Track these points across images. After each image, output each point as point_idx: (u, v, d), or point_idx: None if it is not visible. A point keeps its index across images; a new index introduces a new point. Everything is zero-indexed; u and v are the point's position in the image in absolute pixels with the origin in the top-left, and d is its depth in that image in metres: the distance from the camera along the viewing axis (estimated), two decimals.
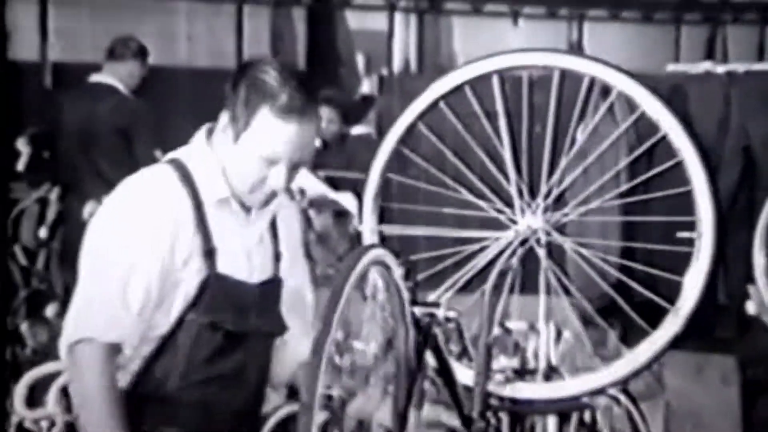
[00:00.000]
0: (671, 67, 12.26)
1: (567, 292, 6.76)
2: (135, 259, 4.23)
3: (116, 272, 4.20)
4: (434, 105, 5.70)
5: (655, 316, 9.54)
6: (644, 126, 6.47)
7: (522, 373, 7.81)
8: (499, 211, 5.46)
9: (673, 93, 9.69)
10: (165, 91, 14.21)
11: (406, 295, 4.28)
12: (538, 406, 6.46)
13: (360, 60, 17.27)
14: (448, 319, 4.55)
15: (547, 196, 5.48)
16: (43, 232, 10.84)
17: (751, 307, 8.34)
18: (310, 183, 9.55)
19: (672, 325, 6.11)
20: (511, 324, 7.57)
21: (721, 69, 10.20)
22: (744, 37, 23.21)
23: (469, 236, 5.57)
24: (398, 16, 18.30)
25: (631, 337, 9.41)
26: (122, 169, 9.73)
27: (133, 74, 10.26)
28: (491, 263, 5.55)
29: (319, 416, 3.77)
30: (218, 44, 16.07)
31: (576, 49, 20.87)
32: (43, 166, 11.00)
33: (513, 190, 5.46)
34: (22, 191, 11.40)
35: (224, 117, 4.30)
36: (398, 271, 4.24)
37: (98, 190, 9.73)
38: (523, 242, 5.52)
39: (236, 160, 4.26)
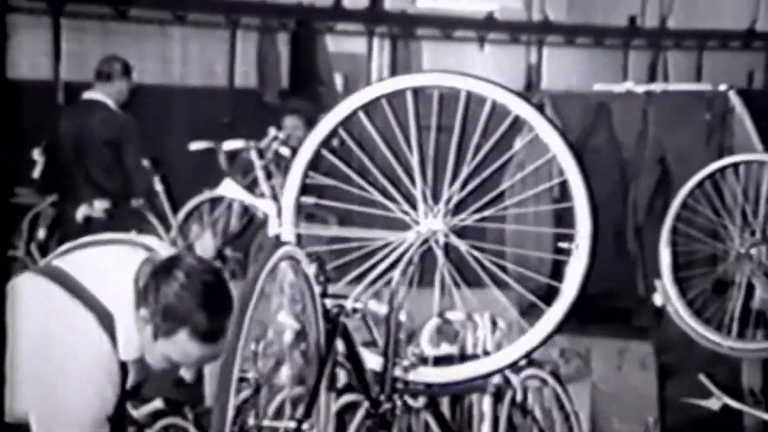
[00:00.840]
0: (597, 87, 12.27)
1: (505, 285, 6.79)
2: None
3: None
4: (353, 114, 5.67)
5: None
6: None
7: (463, 359, 7.87)
8: (405, 213, 5.41)
9: (599, 109, 9.72)
10: (161, 106, 14.24)
11: (317, 288, 4.26)
12: (439, 389, 6.43)
13: (338, 80, 17.23)
14: (355, 310, 4.54)
15: (448, 202, 5.43)
16: (41, 233, 10.88)
17: (657, 299, 8.37)
18: (231, 190, 9.55)
19: (548, 322, 6.00)
20: (450, 315, 7.56)
21: (640, 89, 10.23)
22: (683, 60, 23.26)
23: (377, 236, 5.51)
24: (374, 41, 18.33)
25: (565, 326, 9.46)
26: (112, 177, 9.88)
27: (121, 91, 10.21)
28: (398, 260, 5.51)
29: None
30: (209, 65, 16.04)
31: (535, 70, 20.97)
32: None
33: (418, 195, 5.42)
34: (34, 197, 11.43)
35: (145, 310, 3.97)
36: (309, 266, 4.23)
37: (90, 195, 9.76)
38: (425, 242, 5.47)
39: (150, 352, 4.02)
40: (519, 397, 8.19)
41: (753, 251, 8.09)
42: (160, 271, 3.98)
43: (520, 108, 5.49)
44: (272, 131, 11.47)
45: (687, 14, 22.64)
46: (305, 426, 4.11)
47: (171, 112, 14.58)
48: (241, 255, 11.29)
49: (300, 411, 4.15)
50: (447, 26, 19.03)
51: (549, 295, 10.04)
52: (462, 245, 5.51)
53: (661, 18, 22.31)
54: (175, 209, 10.98)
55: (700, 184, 8.20)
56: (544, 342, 6.11)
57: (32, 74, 13.97)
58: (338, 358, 4.78)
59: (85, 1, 14.59)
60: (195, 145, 11.57)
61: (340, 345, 4.59)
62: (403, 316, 7.41)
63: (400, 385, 5.38)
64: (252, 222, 11.24)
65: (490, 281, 6.04)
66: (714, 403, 8.08)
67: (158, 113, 13.92)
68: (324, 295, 4.37)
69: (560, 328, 6.06)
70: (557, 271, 9.61)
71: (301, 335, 4.21)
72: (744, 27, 23.62)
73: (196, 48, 15.89)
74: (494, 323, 8.17)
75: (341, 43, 17.64)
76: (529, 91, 18.60)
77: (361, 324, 5.20)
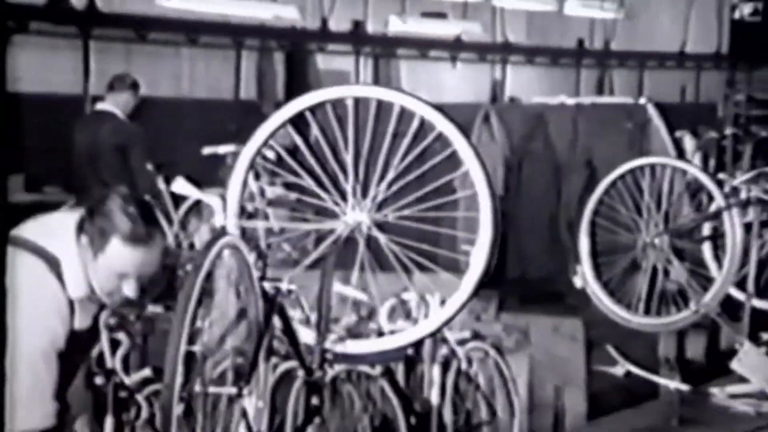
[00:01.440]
0: (535, 99, 12.31)
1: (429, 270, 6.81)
2: None
3: None
4: (300, 115, 5.66)
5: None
6: None
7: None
8: (336, 204, 5.37)
9: (536, 119, 9.69)
10: (172, 116, 14.22)
11: (255, 273, 4.24)
12: (367, 358, 6.38)
13: None
14: (290, 291, 4.52)
15: (374, 198, 5.39)
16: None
17: (577, 282, 8.35)
18: (182, 187, 9.49)
19: (456, 302, 5.92)
20: (405, 295, 7.53)
21: (571, 101, 10.24)
22: (627, 76, 23.33)
23: (310, 227, 5.49)
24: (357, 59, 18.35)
25: (507, 305, 9.46)
26: (120, 177, 9.81)
27: (128, 103, 10.15)
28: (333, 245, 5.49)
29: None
30: (213, 81, 16.01)
31: (500, 86, 20.97)
32: None
33: (349, 191, 5.38)
34: (62, 194, 11.39)
35: (84, 236, 4.02)
36: (249, 253, 4.21)
37: (101, 193, 9.69)
38: (352, 231, 5.44)
39: (94, 271, 4.03)
40: (464, 366, 8.19)
41: (657, 240, 8.08)
42: (95, 205, 4.05)
43: (442, 125, 5.39)
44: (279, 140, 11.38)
45: (628, 39, 22.73)
46: (245, 392, 4.13)
47: (182, 121, 14.58)
48: None
49: (241, 379, 4.15)
50: (421, 47, 19.02)
51: (495, 278, 10.07)
52: (382, 237, 5.46)
53: (605, 41, 22.40)
54: (177, 205, 10.88)
55: (613, 183, 8.21)
56: (449, 321, 6.15)
57: (65, 89, 13.96)
58: (276, 333, 4.76)
59: (110, 26, 14.58)
60: (207, 150, 11.47)
61: (277, 321, 4.57)
62: (364, 297, 7.41)
63: (330, 356, 5.34)
64: None
65: (415, 266, 5.87)
66: (619, 370, 8.10)
67: (171, 122, 13.96)
68: (263, 278, 4.34)
69: (463, 308, 6.02)
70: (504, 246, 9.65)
71: (242, 313, 4.20)
72: (676, 49, 23.77)
73: (202, 66, 15.88)
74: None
75: (330, 62, 17.61)
76: (494, 102, 18.62)
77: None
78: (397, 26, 17.46)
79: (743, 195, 7.93)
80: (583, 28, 22.04)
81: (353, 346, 5.68)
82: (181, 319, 3.69)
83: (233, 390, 4.06)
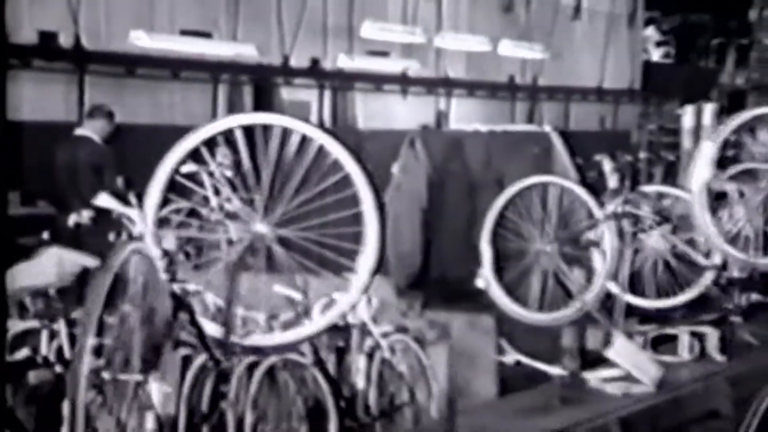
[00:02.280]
0: (453, 126, 12.36)
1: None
2: None
3: None
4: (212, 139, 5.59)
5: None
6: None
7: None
8: (242, 218, 5.29)
9: (455, 143, 9.68)
10: (152, 142, 14.08)
11: (163, 275, 4.16)
12: (265, 351, 6.23)
13: None
14: (197, 292, 4.46)
15: (274, 213, 5.30)
16: (45, 235, 10.67)
17: (480, 283, 8.30)
18: (105, 201, 9.46)
19: (347, 300, 5.78)
20: (335, 295, 7.47)
21: (484, 128, 10.25)
22: (555, 108, 23.41)
23: (221, 236, 5.42)
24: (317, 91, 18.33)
25: (431, 303, 9.42)
26: (95, 192, 9.71)
27: (104, 129, 10.06)
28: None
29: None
30: (190, 109, 15.89)
31: (444, 115, 20.94)
32: None
33: (256, 205, 5.30)
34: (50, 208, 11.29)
35: None
36: (160, 259, 4.14)
37: (79, 206, 9.58)
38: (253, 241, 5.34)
39: None
40: (387, 356, 8.15)
41: (548, 248, 8.06)
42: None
43: (334, 149, 5.33)
44: (218, 158, 11.27)
45: (555, 75, 22.82)
46: (151, 378, 4.05)
47: (160, 146, 14.42)
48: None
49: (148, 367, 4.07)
50: (375, 81, 18.99)
51: (420, 281, 9.99)
52: (278, 248, 5.36)
53: (533, 78, 22.47)
54: None
55: (513, 199, 8.19)
56: (337, 319, 6.09)
57: (63, 118, 13.82)
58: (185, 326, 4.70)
59: (103, 63, 14.51)
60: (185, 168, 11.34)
61: (184, 316, 4.50)
62: (299, 296, 7.34)
63: (237, 349, 5.27)
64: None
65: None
66: (509, 359, 8.07)
67: (150, 146, 13.81)
68: (172, 280, 4.27)
69: (354, 306, 6.10)
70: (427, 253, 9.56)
71: (152, 311, 4.11)
72: (595, 85, 23.95)
73: (179, 97, 15.80)
74: (369, 301, 8.14)
75: (293, 94, 17.56)
76: (439, 128, 18.59)
77: None
78: (346, 63, 17.45)
79: (618, 210, 7.92)
80: (515, 66, 22.09)
81: (254, 340, 5.58)
82: (89, 314, 3.62)
83: (139, 377, 3.98)
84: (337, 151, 5.27)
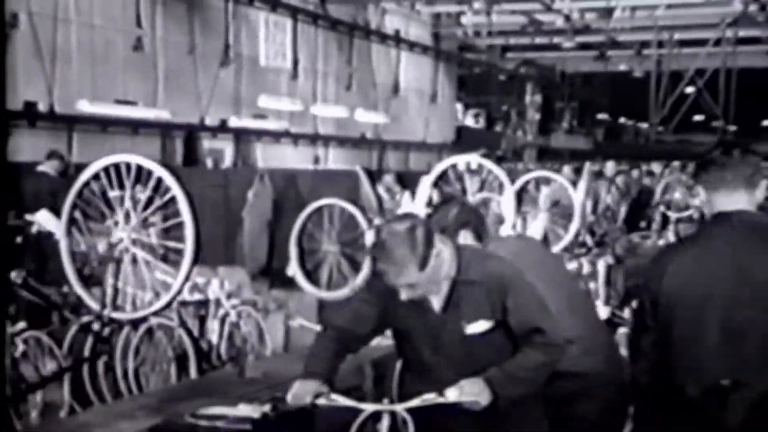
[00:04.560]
0: (289, 166, 12.26)
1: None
2: None
3: None
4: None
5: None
6: None
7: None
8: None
9: (290, 178, 9.67)
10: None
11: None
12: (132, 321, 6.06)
13: (209, 162, 16.74)
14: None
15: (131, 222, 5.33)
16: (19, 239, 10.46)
17: (289, 271, 8.33)
18: (42, 218, 9.33)
19: (176, 284, 5.69)
20: (198, 279, 7.52)
21: (311, 167, 10.30)
22: (398, 156, 23.48)
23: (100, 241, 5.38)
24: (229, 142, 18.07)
25: (274, 285, 9.38)
26: (53, 211, 9.58)
27: (58, 167, 10.06)
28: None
29: None
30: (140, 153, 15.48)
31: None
32: None
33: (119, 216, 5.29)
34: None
35: None
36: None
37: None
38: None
39: None
40: (234, 320, 8.14)
41: (332, 248, 8.09)
42: None
43: (167, 178, 5.25)
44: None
45: (393, 132, 22.95)
46: None
47: None
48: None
49: None
50: (263, 134, 18.60)
51: (267, 270, 9.80)
52: (134, 249, 5.28)
53: (378, 134, 22.54)
54: None
55: (311, 214, 8.19)
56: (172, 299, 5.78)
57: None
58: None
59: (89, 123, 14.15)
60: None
61: None
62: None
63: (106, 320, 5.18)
64: None
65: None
66: (295, 324, 8.05)
67: None
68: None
69: (182, 288, 5.76)
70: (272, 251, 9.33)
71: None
72: (422, 139, 24.08)
73: (129, 146, 15.43)
74: (222, 283, 8.19)
75: (212, 143, 17.33)
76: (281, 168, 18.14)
77: None
78: (234, 122, 17.28)
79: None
80: (367, 127, 22.23)
81: (120, 314, 5.50)
82: None
83: None
84: (168, 179, 5.23)
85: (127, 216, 5.09)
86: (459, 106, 27.74)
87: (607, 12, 20.59)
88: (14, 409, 4.87)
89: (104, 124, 14.63)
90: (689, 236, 3.42)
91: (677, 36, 21.78)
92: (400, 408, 3.01)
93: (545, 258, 3.79)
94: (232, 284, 8.74)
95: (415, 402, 2.98)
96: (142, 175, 5.40)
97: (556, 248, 8.62)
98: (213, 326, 8.01)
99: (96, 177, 5.56)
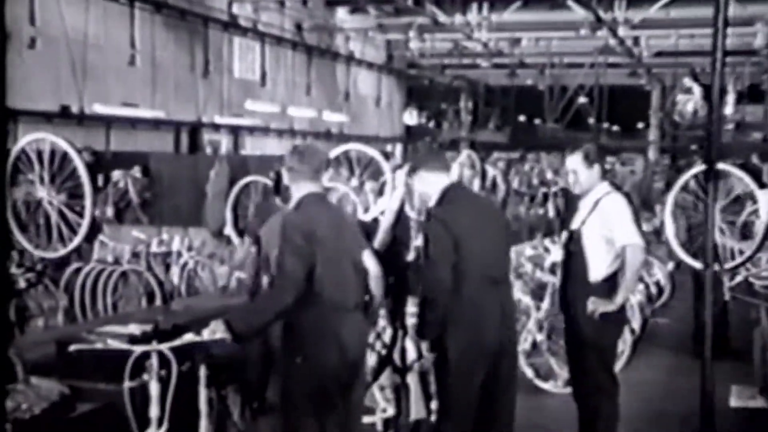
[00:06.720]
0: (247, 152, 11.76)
1: None
2: None
3: None
4: None
5: None
6: None
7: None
8: None
9: (242, 162, 9.62)
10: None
11: None
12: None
13: (208, 149, 16.42)
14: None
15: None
16: None
17: (226, 231, 8.14)
18: None
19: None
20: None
21: (258, 153, 10.02)
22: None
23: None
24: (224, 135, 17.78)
25: (229, 243, 9.15)
26: None
27: (89, 159, 9.58)
28: None
29: None
30: (152, 145, 15.20)
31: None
32: None
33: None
34: None
35: None
36: None
37: None
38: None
39: None
40: (191, 267, 8.25)
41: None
42: None
43: (71, 152, 4.75)
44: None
45: (354, 128, 22.60)
46: None
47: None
48: None
49: None
50: (249, 129, 18.15)
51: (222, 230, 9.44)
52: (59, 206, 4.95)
53: (341, 131, 22.02)
54: None
55: (243, 187, 8.09)
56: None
57: None
58: None
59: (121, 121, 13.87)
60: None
61: None
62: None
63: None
64: None
65: None
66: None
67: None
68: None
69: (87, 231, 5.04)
70: None
71: None
72: (374, 134, 23.99)
73: (151, 138, 15.10)
74: (183, 239, 8.26)
75: (211, 135, 17.01)
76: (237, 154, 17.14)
77: None
78: (219, 120, 16.96)
79: None
80: (333, 125, 22.19)
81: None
82: None
83: None
84: (72, 153, 4.89)
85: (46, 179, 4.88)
86: (410, 110, 27.91)
87: (516, 41, 21.04)
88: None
89: (133, 123, 14.67)
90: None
91: (566, 60, 22.61)
92: (164, 347, 3.05)
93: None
94: (198, 240, 8.97)
95: (176, 342, 3.01)
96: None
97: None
98: (174, 272, 8.30)
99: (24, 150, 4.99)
